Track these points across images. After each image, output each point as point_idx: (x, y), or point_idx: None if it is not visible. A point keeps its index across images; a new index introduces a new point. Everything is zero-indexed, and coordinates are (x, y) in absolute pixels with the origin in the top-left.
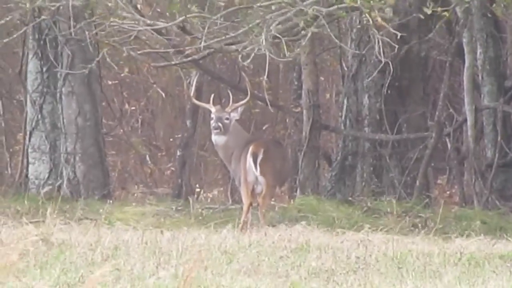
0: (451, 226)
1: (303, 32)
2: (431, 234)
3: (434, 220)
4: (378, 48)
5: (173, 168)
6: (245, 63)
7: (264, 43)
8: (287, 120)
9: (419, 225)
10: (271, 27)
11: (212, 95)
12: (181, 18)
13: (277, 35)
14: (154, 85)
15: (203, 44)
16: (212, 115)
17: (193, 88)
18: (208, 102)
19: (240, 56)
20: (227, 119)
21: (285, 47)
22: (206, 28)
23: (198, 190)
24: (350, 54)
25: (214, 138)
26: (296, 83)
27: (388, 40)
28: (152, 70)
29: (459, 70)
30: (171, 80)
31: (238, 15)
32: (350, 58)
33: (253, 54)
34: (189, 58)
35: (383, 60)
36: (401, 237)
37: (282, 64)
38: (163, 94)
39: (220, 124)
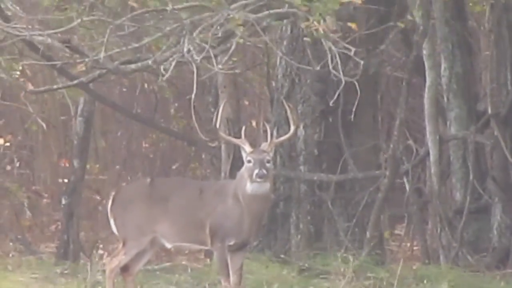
0: None
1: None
2: None
3: (391, 282)
4: (335, 64)
5: (58, 221)
6: (163, 79)
7: (191, 52)
8: (203, 157)
9: None
10: (194, 34)
11: (244, 127)
12: (75, 22)
13: (204, 44)
14: (34, 115)
15: (89, 59)
16: (249, 157)
17: (219, 117)
18: (233, 136)
19: (162, 67)
20: (268, 161)
21: (214, 59)
22: (106, 37)
23: (101, 252)
24: (280, 73)
25: (253, 187)
26: (212, 110)
27: (350, 54)
28: (31, 96)
29: (419, 90)
30: (55, 108)
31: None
32: (280, 77)
33: (172, 66)
34: (75, 81)
35: (343, 79)
36: None
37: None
38: (44, 126)
39: (264, 171)
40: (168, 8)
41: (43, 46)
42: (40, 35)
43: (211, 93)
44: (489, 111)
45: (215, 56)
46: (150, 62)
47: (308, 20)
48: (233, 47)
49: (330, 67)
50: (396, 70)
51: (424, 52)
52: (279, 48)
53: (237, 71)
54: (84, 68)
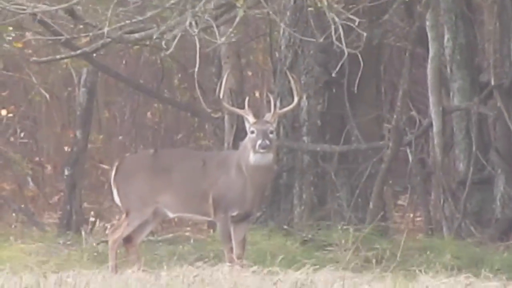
0: (415, 260)
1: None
2: (390, 271)
3: (394, 253)
4: (338, 35)
5: (61, 192)
6: (167, 53)
7: (192, 26)
8: (206, 128)
9: (375, 259)
10: (197, 8)
11: (247, 98)
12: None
13: (207, 18)
14: (37, 86)
15: (93, 32)
16: (252, 128)
17: (222, 88)
18: (237, 107)
19: (164, 42)
20: (271, 132)
21: (217, 32)
22: (110, 12)
23: (93, 219)
24: (284, 44)
25: (256, 158)
26: (215, 80)
27: (353, 25)
28: (34, 66)
29: (422, 61)
30: (58, 79)
31: None
32: (283, 48)
33: (176, 40)
34: (79, 51)
35: (346, 51)
36: (351, 275)
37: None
38: (48, 96)
39: (267, 142)
40: None
41: (47, 17)
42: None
43: (214, 64)
44: (492, 82)
45: (217, 27)
46: (154, 33)
47: None
48: (237, 19)
49: (333, 38)
50: (399, 41)
51: (427, 23)
52: (282, 19)
53: (238, 41)
54: (88, 39)
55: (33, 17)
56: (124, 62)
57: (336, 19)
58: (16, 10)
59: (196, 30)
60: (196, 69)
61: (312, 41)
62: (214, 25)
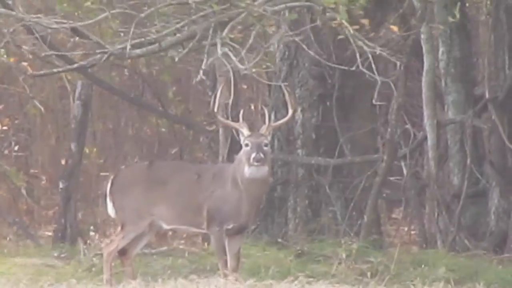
0: (410, 274)
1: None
2: (384, 284)
3: (388, 266)
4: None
5: (56, 205)
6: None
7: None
8: (201, 141)
9: (369, 272)
10: (224, 31)
11: (242, 111)
12: (103, 15)
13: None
14: (32, 98)
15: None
16: (247, 141)
17: (217, 101)
18: (231, 120)
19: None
20: (266, 145)
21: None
22: (132, 29)
23: (88, 232)
24: (278, 56)
25: (251, 171)
26: (210, 93)
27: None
28: (30, 79)
29: (417, 74)
30: (54, 92)
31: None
32: (278, 61)
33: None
34: (75, 65)
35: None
36: None
37: (193, 70)
38: (43, 109)
39: (261, 155)
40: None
41: (47, 31)
42: (39, 21)
43: (209, 77)
44: (487, 95)
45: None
46: (156, 49)
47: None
48: (251, 41)
49: (360, 65)
50: (394, 54)
51: (422, 36)
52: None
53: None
54: (83, 52)
55: (27, 29)
56: (119, 74)
57: (366, 49)
58: (16, 16)
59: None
60: (197, 80)
61: (307, 54)
62: (243, 53)
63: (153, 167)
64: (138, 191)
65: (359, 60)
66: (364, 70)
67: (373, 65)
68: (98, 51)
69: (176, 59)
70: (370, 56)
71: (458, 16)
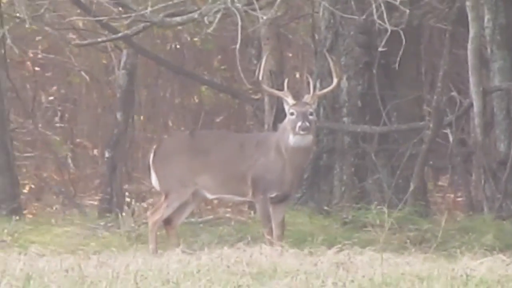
0: (456, 241)
1: None
2: (430, 252)
3: (434, 234)
4: (380, 13)
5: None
6: (209, 30)
7: (234, 2)
8: (246, 109)
9: (415, 240)
10: None
11: (286, 80)
12: None
13: None
14: (77, 69)
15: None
16: (292, 110)
17: (261, 70)
18: (276, 88)
19: (207, 21)
20: (311, 114)
21: (258, 9)
22: None
23: (128, 200)
24: (324, 25)
25: (296, 140)
26: (255, 62)
27: (395, 2)
28: (74, 49)
29: (462, 42)
30: (98, 62)
31: None
32: (323, 29)
33: (217, 18)
34: (120, 34)
35: (389, 28)
36: (391, 256)
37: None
38: (87, 79)
39: (307, 124)
40: None
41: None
42: None
43: (254, 45)
44: None
45: (260, 9)
46: (196, 15)
47: None
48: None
49: (375, 16)
50: (439, 22)
51: (467, 3)
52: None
53: (278, 22)
54: (127, 22)
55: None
56: (163, 43)
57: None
58: None
59: (240, 5)
60: (238, 47)
61: (352, 22)
62: (257, 5)
63: (195, 136)
64: (181, 160)
65: (374, 11)
66: (377, 20)
67: (384, 15)
68: (134, 16)
69: (214, 25)
70: (382, 5)
71: None
